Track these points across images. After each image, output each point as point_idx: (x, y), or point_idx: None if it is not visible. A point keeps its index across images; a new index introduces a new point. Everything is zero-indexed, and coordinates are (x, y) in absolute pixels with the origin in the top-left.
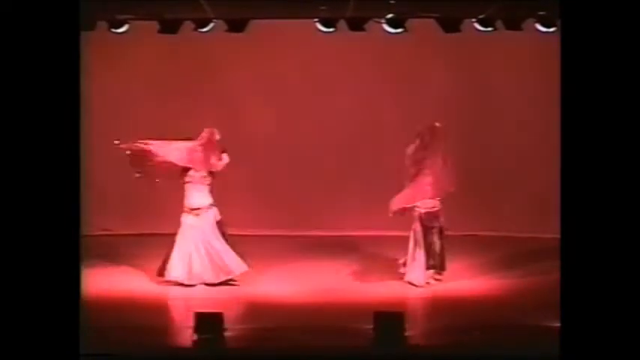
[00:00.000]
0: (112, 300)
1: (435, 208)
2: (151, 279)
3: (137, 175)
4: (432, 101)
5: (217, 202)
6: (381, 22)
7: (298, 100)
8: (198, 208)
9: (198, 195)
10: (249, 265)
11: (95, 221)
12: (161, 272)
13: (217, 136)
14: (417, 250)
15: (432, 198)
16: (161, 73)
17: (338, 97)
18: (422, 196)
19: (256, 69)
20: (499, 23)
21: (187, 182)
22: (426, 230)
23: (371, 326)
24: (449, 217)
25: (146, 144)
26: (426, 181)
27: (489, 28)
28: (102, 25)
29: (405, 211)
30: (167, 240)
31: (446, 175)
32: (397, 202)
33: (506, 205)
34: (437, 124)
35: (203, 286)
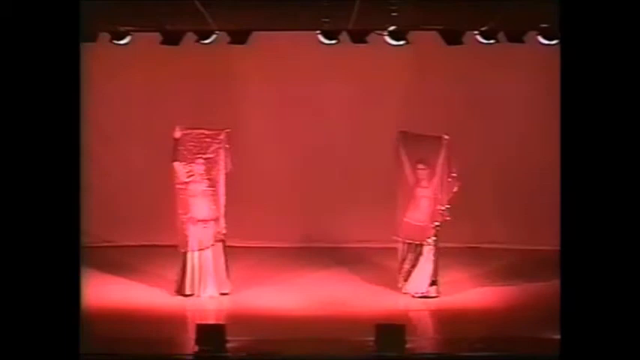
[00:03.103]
0: (114, 311)
1: (428, 222)
2: (152, 290)
3: None
4: (434, 113)
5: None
6: (384, 35)
7: (300, 112)
8: (204, 220)
9: (203, 206)
10: (250, 278)
11: (98, 233)
12: (180, 289)
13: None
14: (413, 262)
15: (430, 211)
16: (163, 85)
17: (340, 109)
18: (419, 210)
19: (258, 81)
20: (501, 36)
21: (192, 193)
22: (418, 243)
23: (372, 338)
24: (448, 229)
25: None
26: (424, 194)
27: (491, 41)
28: (104, 36)
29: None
30: (170, 251)
31: (445, 188)
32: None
33: (505, 216)
34: (445, 136)
35: (206, 297)
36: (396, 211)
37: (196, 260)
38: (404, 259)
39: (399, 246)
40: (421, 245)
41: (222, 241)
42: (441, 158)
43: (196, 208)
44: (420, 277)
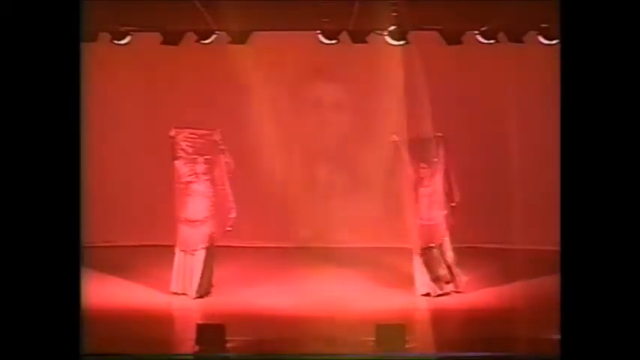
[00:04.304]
0: (114, 311)
1: (436, 221)
2: (152, 290)
3: None
4: (434, 113)
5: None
6: (384, 35)
7: (300, 112)
8: (198, 220)
9: (196, 206)
10: (250, 277)
11: (98, 233)
12: (169, 286)
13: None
14: (419, 262)
15: (435, 210)
16: (163, 85)
17: (339, 109)
18: (424, 209)
19: (258, 81)
20: (501, 36)
21: (190, 193)
22: (428, 243)
23: (372, 338)
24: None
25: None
26: (427, 193)
27: (491, 41)
28: (104, 36)
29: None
30: (170, 251)
31: (448, 187)
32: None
33: (505, 216)
34: (439, 134)
35: (204, 297)
36: (401, 213)
37: (186, 260)
38: (419, 261)
39: (413, 249)
40: (438, 244)
41: (212, 243)
42: (441, 156)
43: (192, 207)
44: (439, 276)
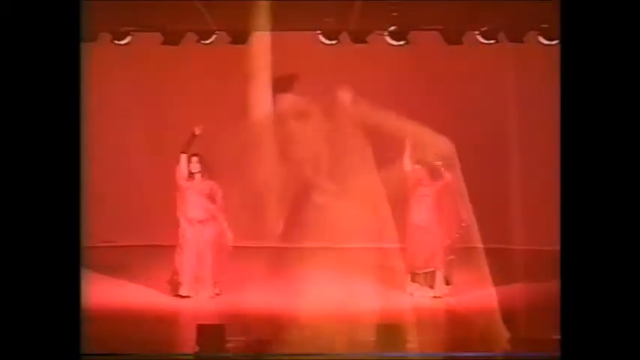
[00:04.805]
0: (114, 311)
1: (433, 222)
2: (152, 290)
3: None
4: (433, 113)
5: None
6: (384, 35)
7: (300, 111)
8: (200, 220)
9: (199, 206)
10: (250, 277)
11: (98, 233)
12: (174, 287)
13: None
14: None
15: (432, 212)
16: (163, 85)
17: (339, 109)
18: (422, 209)
19: (258, 81)
20: (501, 36)
21: (189, 192)
22: (422, 244)
23: (372, 338)
24: None
25: None
26: (425, 194)
27: (491, 41)
28: (104, 36)
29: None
30: (170, 251)
31: (455, 206)
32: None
33: (505, 216)
34: (437, 163)
35: (206, 298)
36: (401, 213)
37: (189, 261)
38: (415, 262)
39: (408, 249)
40: (436, 246)
41: (219, 242)
42: (441, 156)
43: (193, 207)
44: (437, 278)
